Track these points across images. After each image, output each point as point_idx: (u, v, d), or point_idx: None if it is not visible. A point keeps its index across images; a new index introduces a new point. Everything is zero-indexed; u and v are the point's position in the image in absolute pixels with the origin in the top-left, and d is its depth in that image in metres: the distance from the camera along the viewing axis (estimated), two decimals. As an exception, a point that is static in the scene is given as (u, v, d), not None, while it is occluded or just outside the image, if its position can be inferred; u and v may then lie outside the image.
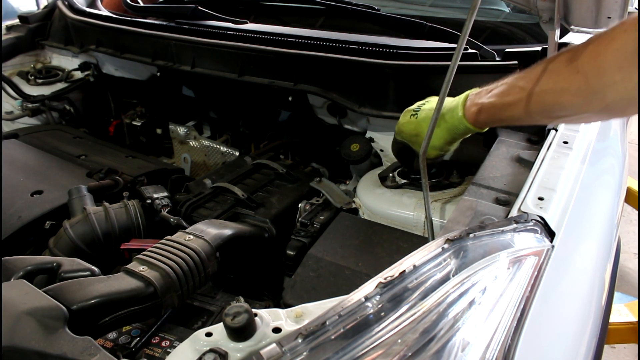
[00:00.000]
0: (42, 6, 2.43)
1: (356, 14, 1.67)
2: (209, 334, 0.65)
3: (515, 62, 1.26)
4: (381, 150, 1.47)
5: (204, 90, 1.99)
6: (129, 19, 1.87)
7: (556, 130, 1.12)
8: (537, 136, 1.15)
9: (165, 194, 1.33)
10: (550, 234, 0.83)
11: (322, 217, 1.25)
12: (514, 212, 0.86)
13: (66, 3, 2.12)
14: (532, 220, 0.83)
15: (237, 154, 1.83)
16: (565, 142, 1.09)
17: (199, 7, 1.75)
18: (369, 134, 1.51)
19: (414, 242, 1.10)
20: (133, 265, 0.94)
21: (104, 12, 2.04)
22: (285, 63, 1.52)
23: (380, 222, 1.21)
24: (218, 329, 0.65)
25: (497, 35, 1.74)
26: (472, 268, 0.72)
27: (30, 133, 1.78)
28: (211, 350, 0.62)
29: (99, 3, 2.16)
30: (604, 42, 0.77)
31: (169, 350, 0.92)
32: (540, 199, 0.89)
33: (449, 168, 1.28)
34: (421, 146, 1.07)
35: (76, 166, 1.52)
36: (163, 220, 1.25)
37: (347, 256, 1.07)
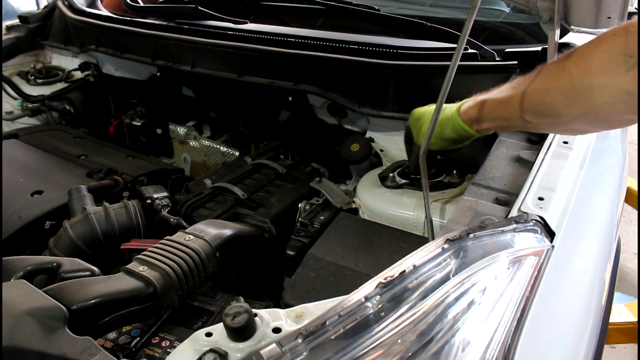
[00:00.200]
0: (42, 6, 2.43)
1: (356, 14, 1.67)
2: (209, 334, 0.65)
3: (515, 62, 1.26)
4: (381, 150, 1.47)
5: (204, 90, 1.99)
6: (129, 19, 1.87)
7: (556, 130, 1.12)
8: (537, 136, 1.15)
9: (165, 194, 1.33)
10: (550, 234, 0.83)
11: (322, 217, 1.25)
12: (514, 212, 0.86)
13: (66, 3, 2.12)
14: (532, 220, 0.83)
15: (237, 154, 1.83)
16: (565, 142, 1.09)
17: (199, 7, 1.75)
18: (369, 134, 1.51)
19: (414, 242, 1.10)
20: (133, 265, 0.94)
21: (104, 12, 2.04)
22: (285, 63, 1.52)
23: (380, 222, 1.21)
24: (218, 329, 0.65)
25: (497, 35, 1.74)
26: (472, 268, 0.72)
27: (30, 133, 1.78)
28: (211, 350, 0.62)
29: (99, 3, 2.16)
30: (593, 44, 0.77)
31: (169, 350, 0.92)
32: (540, 199, 0.89)
33: (449, 168, 1.28)
34: (419, 138, 1.08)
35: (76, 166, 1.52)
36: (163, 220, 1.25)
37: (347, 256, 1.07)
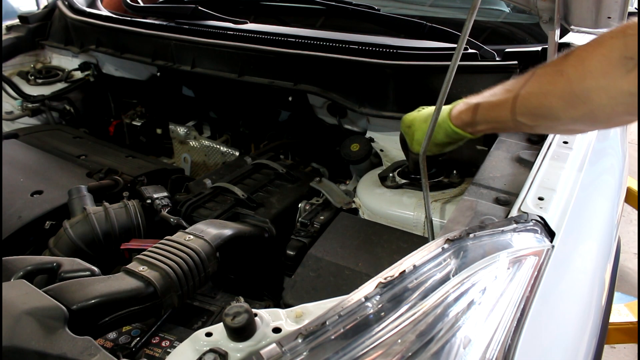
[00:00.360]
0: (42, 6, 2.43)
1: (356, 14, 1.67)
2: (209, 334, 0.65)
3: (515, 62, 1.26)
4: (381, 150, 1.47)
5: (204, 90, 1.99)
6: (129, 19, 1.87)
7: (556, 130, 1.12)
8: (537, 136, 1.15)
9: (165, 194, 1.33)
10: (550, 234, 0.83)
11: (322, 217, 1.25)
12: (514, 212, 0.86)
13: (66, 3, 2.12)
14: (532, 220, 0.83)
15: (237, 154, 1.83)
16: (565, 142, 1.09)
17: (199, 7, 1.75)
18: (369, 134, 1.51)
19: (414, 242, 1.10)
20: (133, 265, 0.94)
21: (104, 12, 2.04)
22: (285, 63, 1.52)
23: (380, 222, 1.21)
24: (218, 329, 0.65)
25: (497, 35, 1.74)
26: (472, 268, 0.72)
27: (30, 133, 1.78)
28: (211, 350, 0.62)
29: (99, 3, 2.16)
30: (591, 47, 0.77)
31: (169, 350, 0.92)
32: (540, 199, 0.89)
33: (449, 168, 1.28)
34: (412, 145, 1.08)
35: (76, 166, 1.52)
36: (163, 220, 1.25)
37: (347, 256, 1.07)
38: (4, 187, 1.33)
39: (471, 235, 0.77)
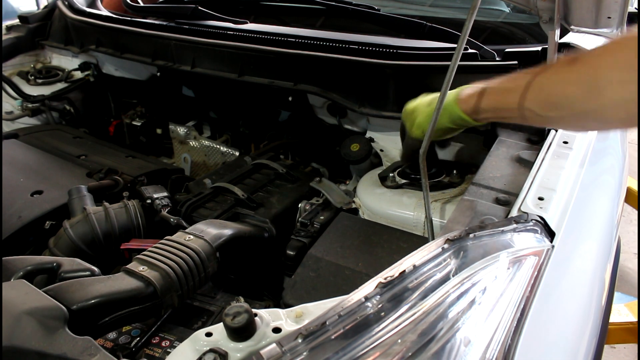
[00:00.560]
0: (42, 6, 2.43)
1: (356, 14, 1.67)
2: (209, 334, 0.65)
3: (515, 62, 1.26)
4: (381, 150, 1.47)
5: (204, 90, 1.99)
6: (129, 19, 1.87)
7: (556, 131, 1.12)
8: (537, 136, 1.15)
9: (165, 194, 1.33)
10: (550, 234, 0.83)
11: (322, 217, 1.25)
12: (514, 212, 0.86)
13: (66, 3, 2.12)
14: (532, 220, 0.83)
15: (237, 154, 1.83)
16: (565, 142, 1.09)
17: (199, 7, 1.75)
18: (369, 134, 1.51)
19: (414, 242, 1.10)
20: (133, 265, 0.94)
21: (104, 12, 2.04)
22: (285, 63, 1.52)
23: (380, 222, 1.21)
24: (218, 329, 0.65)
25: (497, 35, 1.74)
26: (472, 268, 0.72)
27: (30, 133, 1.78)
28: (211, 350, 0.62)
29: (99, 3, 2.16)
30: (625, 39, 0.73)
31: (169, 350, 0.92)
32: (540, 199, 0.89)
33: (449, 168, 1.28)
34: (412, 129, 1.06)
35: (76, 166, 1.52)
36: (163, 220, 1.25)
37: (347, 256, 1.07)
38: (4, 187, 1.33)
39: (471, 235, 0.77)
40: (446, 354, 0.61)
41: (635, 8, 1.82)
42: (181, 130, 1.93)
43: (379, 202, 1.24)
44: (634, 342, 2.20)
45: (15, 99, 2.05)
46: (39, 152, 1.60)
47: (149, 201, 1.29)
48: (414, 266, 0.69)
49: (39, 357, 0.64)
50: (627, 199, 2.71)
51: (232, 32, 1.63)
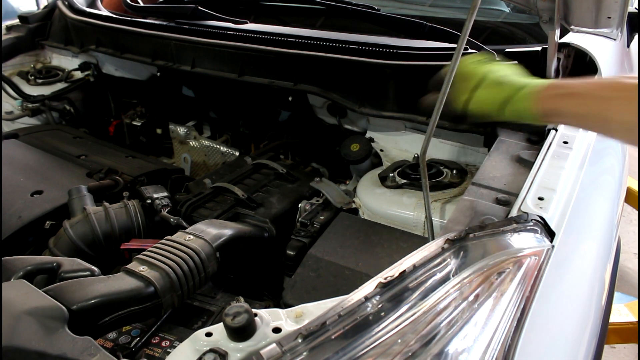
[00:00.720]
0: (42, 6, 2.43)
1: (356, 14, 1.67)
2: (209, 334, 0.65)
3: (515, 62, 1.25)
4: (381, 150, 1.47)
5: (204, 90, 1.99)
6: (129, 19, 1.87)
7: (556, 130, 1.12)
8: (537, 136, 1.15)
9: (165, 194, 1.33)
10: (550, 234, 0.83)
11: (322, 217, 1.25)
12: (514, 212, 0.86)
13: (66, 3, 2.12)
14: (532, 220, 0.83)
15: (237, 154, 1.83)
16: (565, 142, 1.09)
17: (199, 7, 1.75)
18: (369, 134, 1.51)
19: (414, 242, 1.10)
20: (133, 265, 0.94)
21: (104, 12, 2.04)
22: (285, 63, 1.52)
23: (380, 222, 1.21)
24: (218, 329, 0.65)
25: (497, 35, 1.74)
26: (472, 268, 0.72)
27: (30, 133, 1.78)
28: (211, 350, 0.62)
29: (99, 3, 2.16)
30: None
31: (169, 350, 0.92)
32: (540, 199, 0.89)
33: (448, 168, 1.28)
34: (465, 97, 0.98)
35: (76, 166, 1.52)
36: (163, 220, 1.25)
37: (347, 256, 1.07)
38: (4, 187, 1.33)
39: (471, 235, 0.77)
40: (446, 354, 0.61)
41: (635, 8, 1.82)
42: (181, 130, 1.93)
43: (379, 202, 1.24)
44: (634, 342, 2.20)
45: (15, 99, 2.05)
46: (39, 152, 1.60)
47: (149, 201, 1.29)
48: (414, 266, 0.69)
49: (39, 357, 0.64)
50: (627, 199, 2.71)
51: (232, 32, 1.63)
